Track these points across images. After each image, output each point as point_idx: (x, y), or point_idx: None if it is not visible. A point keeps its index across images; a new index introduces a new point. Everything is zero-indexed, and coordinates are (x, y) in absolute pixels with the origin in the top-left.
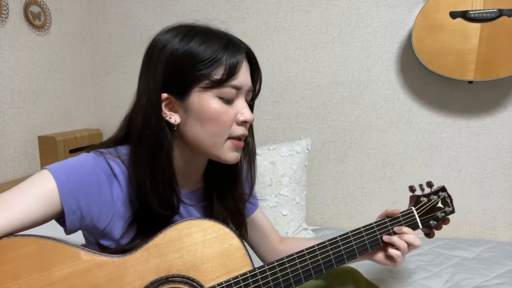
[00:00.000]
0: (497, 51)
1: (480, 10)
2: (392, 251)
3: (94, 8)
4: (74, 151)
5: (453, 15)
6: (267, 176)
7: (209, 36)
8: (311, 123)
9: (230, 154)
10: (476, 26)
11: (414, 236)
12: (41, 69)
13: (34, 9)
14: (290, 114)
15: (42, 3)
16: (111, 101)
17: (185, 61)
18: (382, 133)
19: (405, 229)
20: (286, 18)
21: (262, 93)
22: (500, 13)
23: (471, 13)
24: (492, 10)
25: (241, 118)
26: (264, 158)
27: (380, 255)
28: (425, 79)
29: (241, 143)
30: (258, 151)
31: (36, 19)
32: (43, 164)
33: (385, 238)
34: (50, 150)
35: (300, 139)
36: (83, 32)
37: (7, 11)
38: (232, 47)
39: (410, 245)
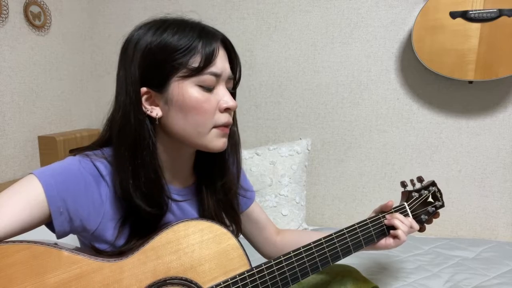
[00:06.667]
0: (497, 51)
1: (480, 10)
2: (398, 230)
3: (94, 8)
4: (74, 151)
5: (453, 15)
6: (267, 176)
7: (182, 26)
8: (311, 123)
9: (216, 141)
10: (476, 26)
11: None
12: (41, 69)
13: (34, 9)
14: (290, 114)
15: (42, 3)
16: (111, 101)
17: (160, 52)
18: (382, 133)
19: (396, 214)
20: (286, 18)
21: (262, 93)
22: (500, 13)
23: (471, 13)
24: (492, 10)
25: (224, 105)
26: (264, 158)
27: (379, 242)
28: (425, 79)
29: (227, 129)
30: (258, 151)
31: (36, 19)
32: (43, 164)
33: (387, 221)
34: (50, 150)
35: (300, 139)
36: (83, 32)
37: (7, 11)
38: (206, 35)
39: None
